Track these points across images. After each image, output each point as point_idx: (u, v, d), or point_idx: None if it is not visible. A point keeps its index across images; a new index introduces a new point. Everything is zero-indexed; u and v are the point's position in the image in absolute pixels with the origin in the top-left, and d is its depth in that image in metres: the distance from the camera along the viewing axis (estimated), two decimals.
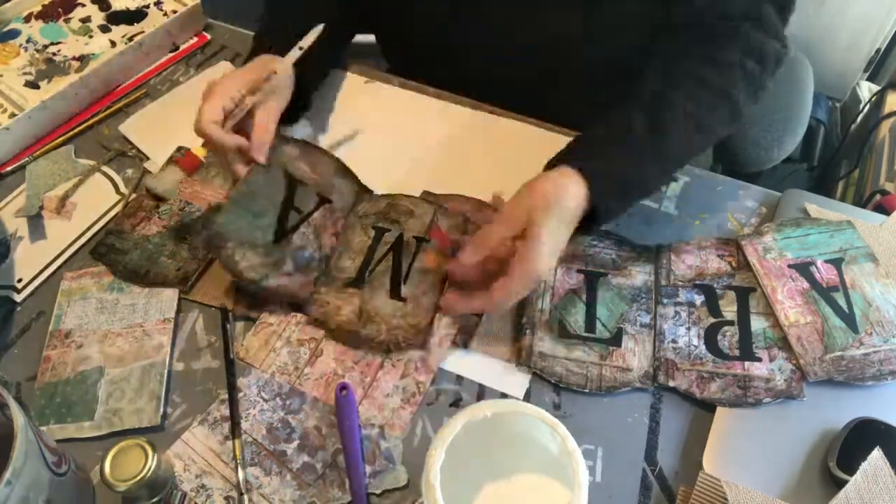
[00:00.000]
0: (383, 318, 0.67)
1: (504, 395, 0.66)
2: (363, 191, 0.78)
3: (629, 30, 0.77)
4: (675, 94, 0.69)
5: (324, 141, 0.85)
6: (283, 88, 0.74)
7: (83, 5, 0.99)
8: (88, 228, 0.78)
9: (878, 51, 1.26)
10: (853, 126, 1.38)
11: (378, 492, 0.60)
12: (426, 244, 0.72)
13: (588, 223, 0.65)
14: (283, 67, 0.73)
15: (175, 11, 0.96)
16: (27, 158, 0.83)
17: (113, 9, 0.98)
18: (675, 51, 0.72)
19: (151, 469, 0.55)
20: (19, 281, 0.73)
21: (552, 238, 0.61)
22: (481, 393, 0.66)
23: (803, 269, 0.71)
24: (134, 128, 0.87)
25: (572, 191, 0.63)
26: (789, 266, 0.71)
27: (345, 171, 0.78)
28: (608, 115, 0.69)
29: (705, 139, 0.71)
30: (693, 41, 0.72)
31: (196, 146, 0.82)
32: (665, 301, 0.70)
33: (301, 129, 0.86)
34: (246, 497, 0.59)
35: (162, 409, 0.64)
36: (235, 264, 0.65)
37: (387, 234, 0.73)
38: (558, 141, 0.84)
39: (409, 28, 0.88)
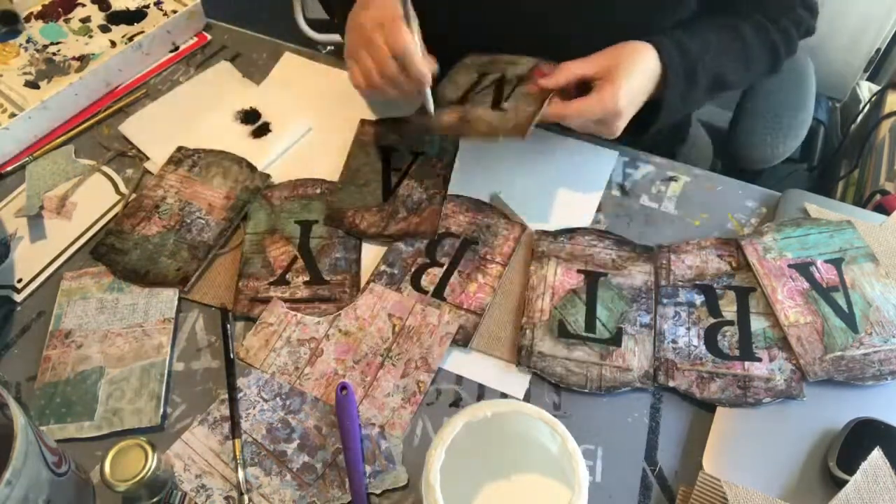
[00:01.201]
0: (485, 122, 0.73)
1: (504, 395, 0.66)
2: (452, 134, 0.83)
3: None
4: (738, 24, 0.77)
5: (323, 140, 0.85)
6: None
7: (83, 5, 0.99)
8: (88, 228, 0.78)
9: (878, 51, 1.26)
10: (853, 126, 1.38)
11: (378, 492, 0.60)
12: (528, 80, 0.76)
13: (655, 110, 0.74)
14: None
15: (175, 11, 0.96)
16: (27, 158, 0.83)
17: (113, 9, 0.98)
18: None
19: (151, 469, 0.55)
20: (19, 281, 0.73)
21: (630, 84, 0.69)
22: (481, 393, 0.66)
23: (803, 269, 0.71)
24: (134, 128, 0.87)
25: (651, 55, 0.72)
26: (789, 266, 0.71)
27: (430, 128, 0.83)
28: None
29: (747, 73, 0.79)
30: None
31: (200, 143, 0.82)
32: (665, 301, 0.70)
33: (301, 129, 0.86)
34: (246, 497, 0.59)
35: (162, 409, 0.64)
36: (357, 226, 0.76)
37: (490, 76, 0.78)
38: (560, 141, 0.85)
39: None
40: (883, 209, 0.99)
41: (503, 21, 0.78)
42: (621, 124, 0.71)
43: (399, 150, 0.83)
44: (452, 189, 0.80)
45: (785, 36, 0.79)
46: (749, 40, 0.77)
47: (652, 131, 0.76)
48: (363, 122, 0.86)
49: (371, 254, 0.75)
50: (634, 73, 0.70)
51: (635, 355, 0.66)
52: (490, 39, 0.78)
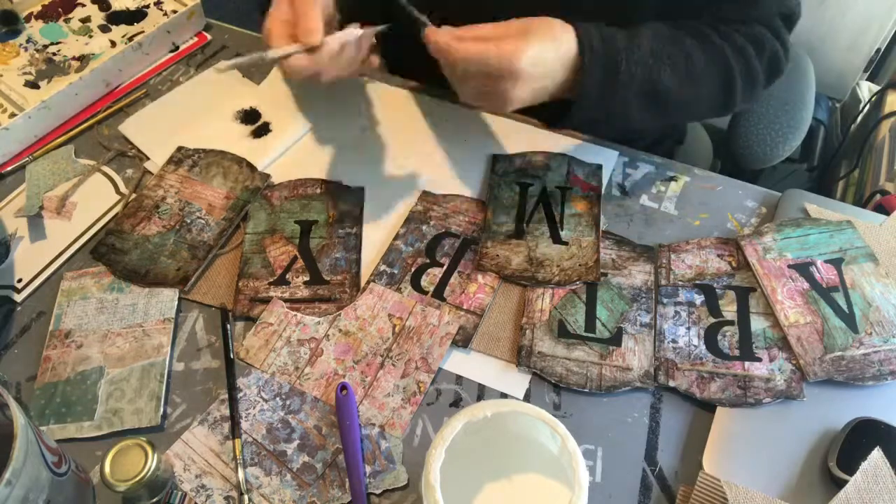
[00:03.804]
0: (554, 261, 0.72)
1: (504, 395, 0.66)
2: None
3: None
4: (681, 35, 0.70)
5: (323, 140, 0.85)
6: None
7: (83, 5, 0.99)
8: (88, 228, 0.78)
9: (878, 51, 1.26)
10: (853, 126, 1.38)
11: (378, 492, 0.60)
12: (570, 192, 0.79)
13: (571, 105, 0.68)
14: None
15: (175, 11, 0.96)
16: (27, 158, 0.83)
17: (113, 9, 0.98)
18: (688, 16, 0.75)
19: (151, 469, 0.55)
20: (19, 281, 0.73)
21: (538, 50, 0.61)
22: (481, 393, 0.66)
23: (803, 269, 0.71)
24: (134, 128, 0.87)
25: (567, 35, 0.64)
26: (789, 266, 0.71)
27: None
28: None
29: (691, 89, 0.71)
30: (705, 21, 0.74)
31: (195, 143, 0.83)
32: (665, 301, 0.70)
33: (301, 129, 0.86)
34: (246, 497, 0.59)
35: (162, 409, 0.64)
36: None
37: (531, 188, 0.79)
38: (560, 141, 0.85)
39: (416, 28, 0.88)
40: (883, 209, 1.00)
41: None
42: (517, 93, 0.63)
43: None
44: (454, 188, 0.80)
45: (738, 53, 0.71)
46: (690, 49, 0.70)
47: (568, 123, 0.70)
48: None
49: (371, 254, 0.75)
50: (545, 42, 0.62)
51: (635, 355, 0.66)
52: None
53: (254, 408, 0.64)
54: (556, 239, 0.75)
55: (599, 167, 0.81)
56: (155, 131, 0.86)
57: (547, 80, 0.65)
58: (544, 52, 0.62)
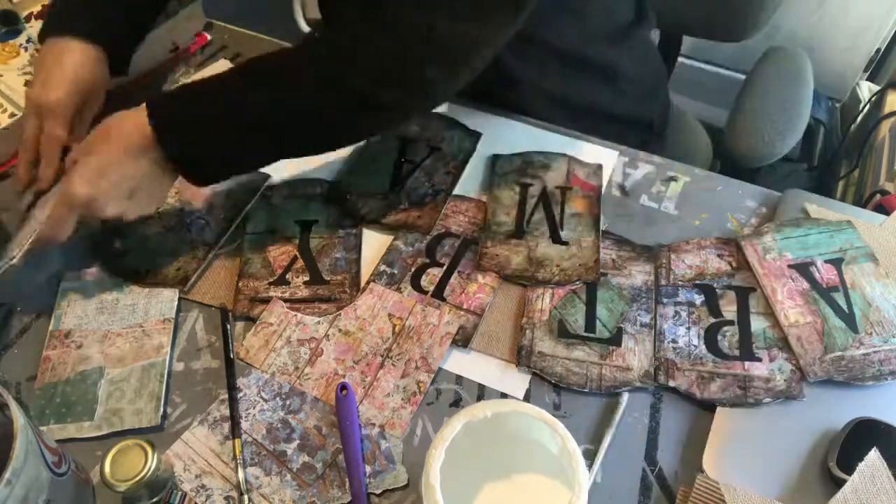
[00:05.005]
0: (554, 261, 0.72)
1: (504, 395, 0.66)
2: (473, 135, 0.86)
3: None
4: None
5: None
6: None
7: None
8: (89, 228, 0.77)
9: (878, 51, 1.26)
10: (853, 126, 1.38)
11: (378, 492, 0.60)
12: (570, 192, 0.79)
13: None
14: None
15: (175, 12, 0.96)
16: None
17: None
18: None
19: (151, 469, 0.55)
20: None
21: (91, 161, 0.63)
22: (481, 393, 0.66)
23: (803, 269, 0.71)
24: None
25: (131, 117, 0.63)
26: (789, 266, 0.71)
27: (454, 123, 0.87)
28: None
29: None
30: None
31: None
32: (665, 301, 0.70)
33: None
34: (246, 497, 0.59)
35: (162, 409, 0.64)
36: (356, 209, 0.78)
37: (531, 188, 0.79)
38: (560, 141, 0.85)
39: None
40: (883, 209, 1.00)
41: None
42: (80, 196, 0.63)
43: (418, 143, 0.84)
44: (458, 190, 0.80)
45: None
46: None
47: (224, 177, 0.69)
48: None
49: (371, 254, 0.75)
50: (99, 150, 0.63)
51: (635, 355, 0.66)
52: None
53: (254, 408, 0.64)
54: (556, 239, 0.75)
55: (599, 167, 0.81)
56: None
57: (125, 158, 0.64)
58: (99, 156, 0.63)
